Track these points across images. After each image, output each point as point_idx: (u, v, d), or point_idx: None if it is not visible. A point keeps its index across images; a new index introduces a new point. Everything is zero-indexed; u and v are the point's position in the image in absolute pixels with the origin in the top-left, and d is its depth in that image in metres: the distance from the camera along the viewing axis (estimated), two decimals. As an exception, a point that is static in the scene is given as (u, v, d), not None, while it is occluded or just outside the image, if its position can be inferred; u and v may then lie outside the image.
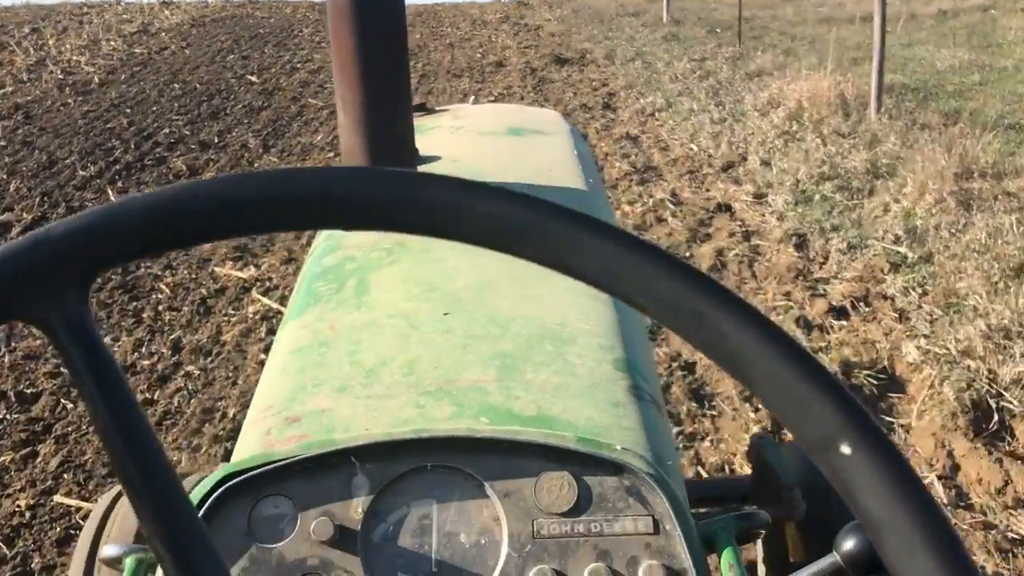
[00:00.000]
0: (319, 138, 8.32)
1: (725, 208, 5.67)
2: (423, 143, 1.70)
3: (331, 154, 7.80)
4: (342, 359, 1.14)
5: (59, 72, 11.74)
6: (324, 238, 1.56)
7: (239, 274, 5.04)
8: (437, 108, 2.33)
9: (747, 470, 2.35)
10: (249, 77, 11.39)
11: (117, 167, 7.25)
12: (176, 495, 0.42)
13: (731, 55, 10.64)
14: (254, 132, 8.51)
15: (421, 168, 1.54)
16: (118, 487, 1.75)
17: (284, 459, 0.91)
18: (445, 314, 1.20)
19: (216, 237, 0.41)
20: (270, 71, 11.93)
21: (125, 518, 1.70)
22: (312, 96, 10.32)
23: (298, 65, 12.43)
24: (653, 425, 1.05)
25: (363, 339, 1.18)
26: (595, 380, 1.08)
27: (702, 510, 1.61)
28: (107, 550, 1.16)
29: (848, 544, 0.68)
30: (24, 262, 0.40)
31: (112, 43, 14.22)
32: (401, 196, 0.39)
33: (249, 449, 1.03)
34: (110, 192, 6.56)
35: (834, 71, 7.63)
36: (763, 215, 5.48)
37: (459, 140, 1.99)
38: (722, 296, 0.37)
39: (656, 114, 8.43)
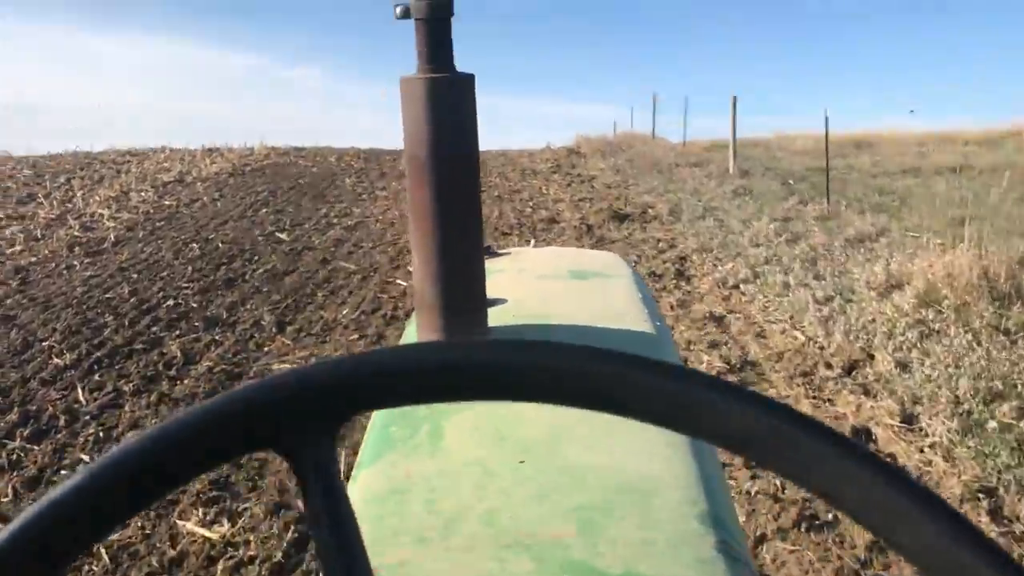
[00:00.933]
0: (344, 312, 7.11)
1: (864, 435, 4.23)
2: (488, 285, 1.58)
3: (355, 335, 6.57)
4: (419, 508, 1.11)
5: (77, 228, 10.88)
6: None
7: (206, 532, 3.68)
8: (500, 251, 2.30)
9: None
10: (279, 234, 10.40)
11: (99, 353, 6.06)
12: None
13: (818, 214, 9.38)
14: (271, 305, 7.34)
15: (489, 311, 1.52)
16: None
17: None
18: (520, 462, 1.17)
19: (473, 397, 0.44)
20: (303, 227, 10.97)
21: None
22: (344, 257, 9.23)
23: (334, 220, 11.47)
24: None
25: (439, 487, 1.15)
26: (681, 536, 1.02)
27: None
28: None
29: None
30: (284, 398, 0.43)
31: (143, 194, 13.50)
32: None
33: None
34: (79, 391, 5.33)
35: (954, 237, 6.30)
36: (921, 449, 4.03)
37: (523, 283, 1.97)
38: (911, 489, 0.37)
39: (741, 287, 7.12)
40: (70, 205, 12.79)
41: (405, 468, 1.23)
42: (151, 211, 12.14)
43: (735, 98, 13.13)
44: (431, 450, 1.26)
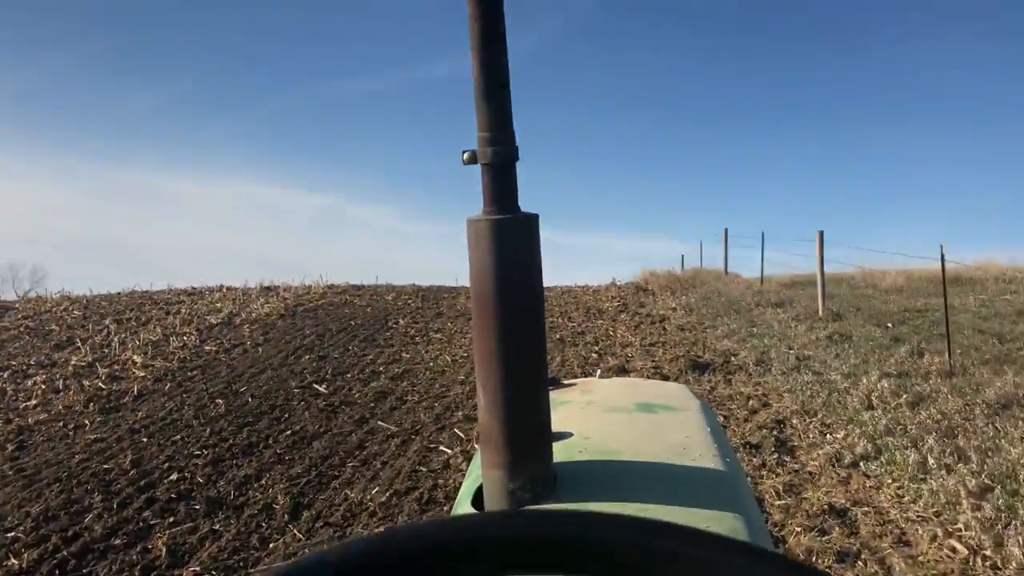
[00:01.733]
0: (374, 492, 5.91)
1: None
2: (554, 418, 1.53)
3: (381, 520, 5.35)
4: None
5: (103, 378, 10.02)
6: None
7: None
8: (566, 382, 2.27)
9: None
10: (317, 386, 9.36)
11: (69, 550, 4.94)
12: None
13: (938, 368, 7.98)
14: (289, 481, 6.19)
15: (555, 445, 1.49)
16: None
17: None
18: None
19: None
20: (345, 376, 9.93)
21: None
22: (385, 415, 8.10)
23: (380, 368, 10.42)
24: None
25: None
26: None
27: None
28: None
29: None
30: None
31: (185, 338, 12.71)
32: None
33: None
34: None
35: None
36: None
37: (589, 415, 1.91)
38: None
39: (862, 465, 5.74)
40: (106, 351, 12.04)
41: None
42: (188, 357, 11.28)
43: (821, 233, 11.96)
44: None
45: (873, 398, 7.13)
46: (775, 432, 6.73)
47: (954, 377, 7.53)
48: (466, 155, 1.35)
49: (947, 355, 8.08)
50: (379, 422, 7.85)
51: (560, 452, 1.52)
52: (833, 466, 5.81)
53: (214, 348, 11.93)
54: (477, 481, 1.52)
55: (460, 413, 8.03)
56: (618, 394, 2.14)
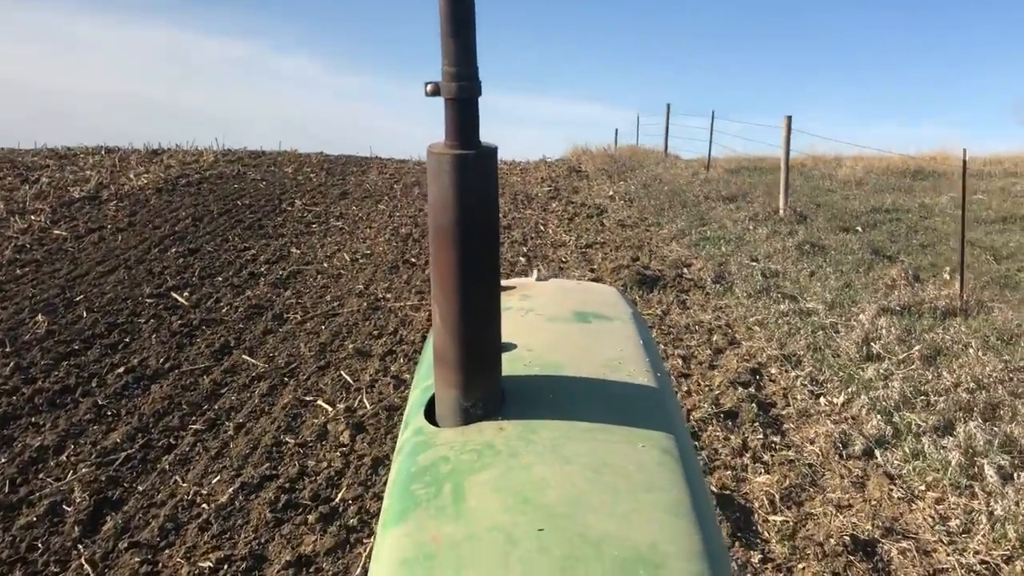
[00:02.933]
0: (215, 482, 4.24)
1: None
2: None
3: (214, 540, 3.70)
4: (447, 574, 1.17)
5: (-95, 274, 7.94)
6: (413, 432, 1.57)
7: None
8: (504, 284, 2.25)
9: None
10: (176, 295, 7.49)
11: None
12: None
13: (948, 302, 6.54)
14: (99, 457, 4.45)
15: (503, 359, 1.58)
16: None
17: None
18: (540, 530, 1.23)
19: None
20: (215, 280, 8.07)
21: None
22: (254, 344, 6.34)
23: (262, 269, 8.57)
24: None
25: (466, 554, 1.20)
26: None
27: None
28: None
29: None
30: None
31: (33, 218, 10.55)
32: None
33: None
34: None
35: None
36: None
37: (530, 326, 1.97)
38: None
39: (878, 455, 4.29)
40: (-71, 231, 9.85)
41: (431, 530, 1.27)
42: (28, 246, 9.21)
43: (789, 119, 10.28)
44: (455, 512, 1.29)
45: (874, 345, 5.67)
46: (752, 390, 5.23)
47: (972, 318, 6.11)
48: (429, 87, 1.38)
49: (959, 285, 6.63)
50: (244, 355, 6.09)
51: (506, 365, 1.59)
52: (840, 455, 4.34)
53: (65, 233, 9.85)
54: (428, 392, 1.62)
55: (351, 344, 6.32)
56: (555, 301, 2.22)
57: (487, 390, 1.51)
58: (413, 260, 8.97)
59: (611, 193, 13.06)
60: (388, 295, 7.69)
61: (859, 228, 9.66)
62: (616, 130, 23.19)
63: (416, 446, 1.51)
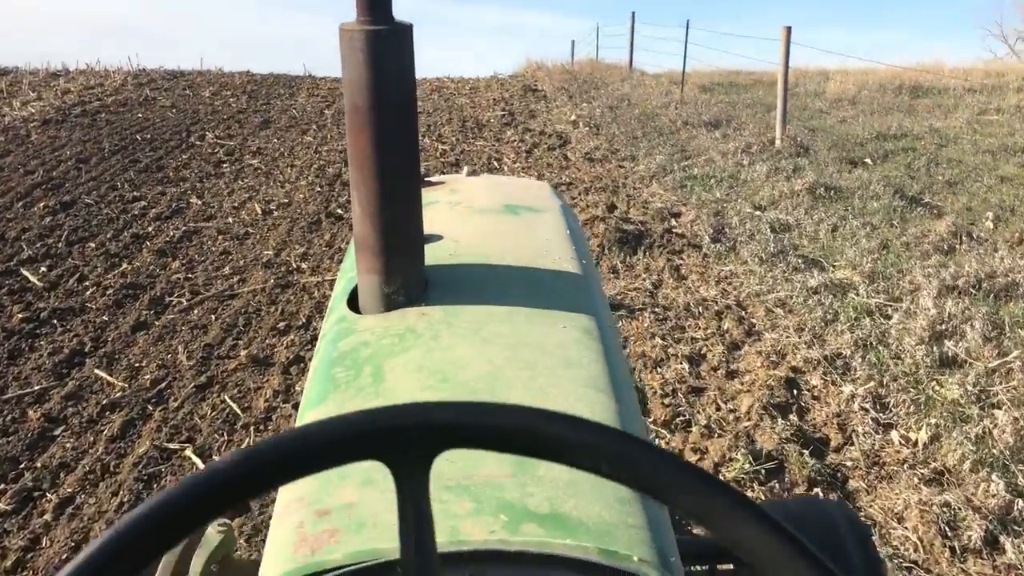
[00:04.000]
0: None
1: None
2: (424, 219, 1.61)
3: None
4: None
5: None
6: (336, 321, 1.55)
7: None
8: (434, 180, 2.28)
9: None
10: (27, 272, 5.80)
11: None
12: None
13: (1010, 266, 5.10)
14: None
15: (426, 248, 1.61)
16: None
17: (340, 568, 0.97)
18: None
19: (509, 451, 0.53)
20: (87, 245, 6.36)
21: None
22: (118, 347, 4.73)
23: (150, 229, 6.86)
24: (656, 520, 1.09)
25: None
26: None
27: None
28: None
29: None
30: (400, 425, 0.52)
31: None
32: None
33: (285, 541, 1.04)
34: None
35: None
36: None
37: (458, 218, 1.98)
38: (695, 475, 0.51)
39: (1009, 549, 2.87)
40: None
41: (349, 410, 1.00)
42: None
43: (788, 30, 8.64)
44: (375, 392, 1.28)
45: (948, 343, 4.23)
46: (793, 417, 3.79)
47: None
48: None
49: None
50: (98, 370, 4.48)
51: (431, 255, 1.60)
52: (950, 547, 2.92)
53: (-90, 182, 7.99)
54: (352, 282, 1.60)
55: (247, 345, 4.74)
56: (485, 195, 2.14)
57: (409, 276, 1.49)
58: (341, 211, 7.31)
59: (573, 118, 11.39)
60: (304, 264, 6.07)
61: (868, 160, 8.18)
62: (573, 42, 21.25)
63: (338, 333, 1.48)
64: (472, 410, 0.53)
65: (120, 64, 17.45)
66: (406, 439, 0.52)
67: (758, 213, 6.61)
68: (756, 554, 0.49)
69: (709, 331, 4.75)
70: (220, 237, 6.74)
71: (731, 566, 1.67)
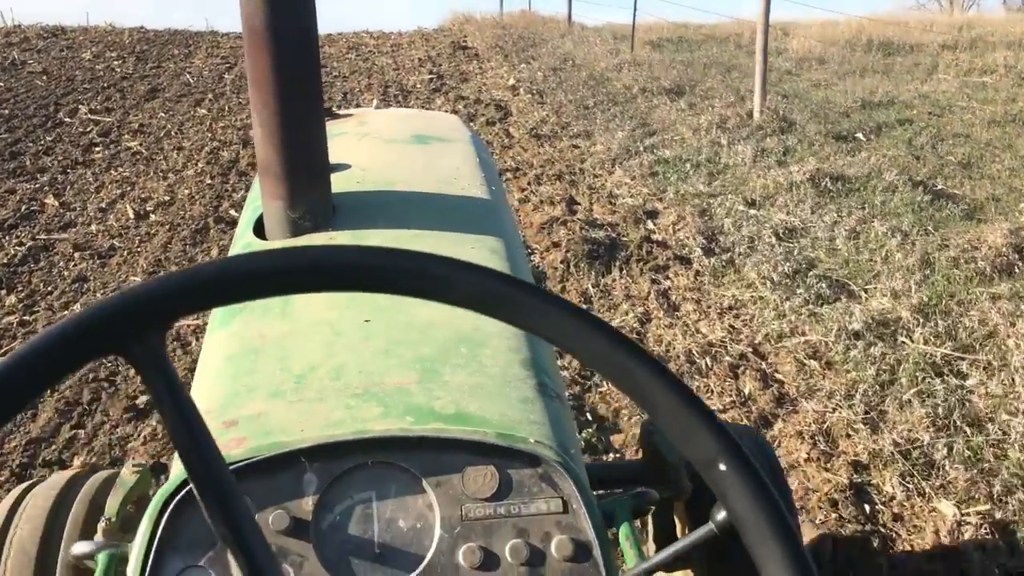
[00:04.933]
0: None
1: None
2: (331, 150, 1.60)
3: None
4: (272, 366, 1.20)
5: None
6: (242, 248, 1.56)
7: None
8: (341, 112, 2.26)
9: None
10: None
11: None
12: (232, 491, 0.54)
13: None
14: None
15: (333, 176, 1.60)
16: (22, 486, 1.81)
17: (242, 461, 0.99)
18: (366, 321, 1.27)
19: (255, 296, 0.55)
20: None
21: (80, 515, 1.68)
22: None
23: (-14, 242, 5.33)
24: (558, 418, 1.13)
25: (291, 346, 1.24)
26: (506, 379, 1.18)
27: (602, 492, 1.68)
28: (78, 547, 1.35)
29: (720, 515, 0.61)
30: (119, 313, 0.53)
31: None
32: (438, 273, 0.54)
33: None
34: None
35: None
36: None
37: (366, 148, 1.97)
38: (641, 358, 0.52)
39: None
40: None
41: (258, 329, 1.27)
42: None
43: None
44: (282, 312, 1.31)
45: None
46: (879, 559, 2.59)
47: None
48: None
49: None
50: None
51: (338, 183, 1.58)
52: None
53: None
54: (257, 211, 1.56)
55: (99, 433, 3.34)
56: (395, 127, 2.15)
57: (315, 201, 1.47)
58: (235, 213, 5.87)
59: (512, 82, 9.99)
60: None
61: (860, 135, 7.03)
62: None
63: None
64: (167, 280, 0.54)
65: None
66: (124, 326, 0.52)
67: (753, 212, 5.38)
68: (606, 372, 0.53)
69: (726, 397, 3.53)
70: (76, 255, 5.24)
71: (646, 487, 1.54)
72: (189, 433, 0.53)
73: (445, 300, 0.54)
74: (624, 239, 5.12)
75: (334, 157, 1.60)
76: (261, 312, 1.30)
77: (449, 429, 1.03)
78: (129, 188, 6.49)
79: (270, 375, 1.17)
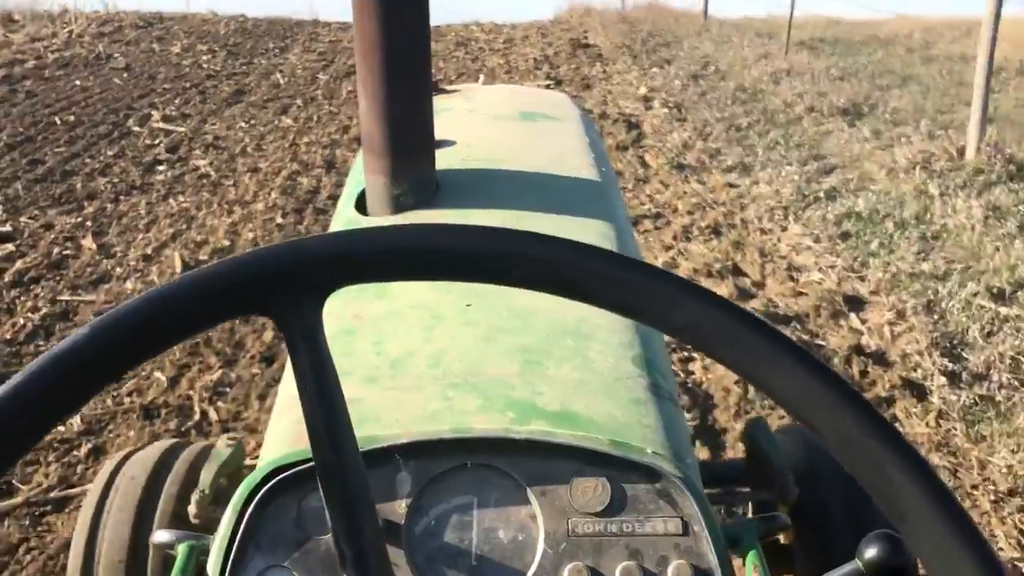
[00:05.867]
0: None
1: None
2: (437, 125, 1.56)
3: None
4: (368, 349, 1.15)
5: None
6: (343, 223, 1.53)
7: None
8: (448, 88, 2.19)
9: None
10: None
11: None
12: (363, 492, 0.51)
13: None
14: None
15: (438, 153, 1.53)
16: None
17: None
18: (467, 306, 1.21)
19: (432, 278, 0.47)
20: None
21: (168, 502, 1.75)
22: None
23: (8, 297, 4.24)
24: (672, 423, 1.06)
25: (387, 329, 1.19)
26: (615, 377, 1.10)
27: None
28: (159, 535, 1.33)
29: (871, 552, 0.59)
30: (276, 267, 0.46)
31: None
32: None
33: (284, 436, 1.03)
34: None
35: None
36: None
37: (473, 124, 1.91)
38: (908, 454, 0.42)
39: None
40: None
41: (354, 309, 1.21)
42: None
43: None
44: (379, 292, 1.26)
45: None
46: None
47: None
48: None
49: None
50: None
51: (443, 159, 1.53)
52: None
53: None
54: (359, 186, 1.55)
55: None
56: (501, 102, 2.09)
57: (419, 177, 1.43)
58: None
59: (644, 91, 8.51)
60: (218, 413, 3.41)
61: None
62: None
63: None
64: (349, 239, 0.47)
65: (92, 5, 14.70)
66: (282, 285, 0.46)
67: (1005, 310, 3.82)
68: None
69: None
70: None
71: (747, 488, 1.55)
72: (330, 418, 0.49)
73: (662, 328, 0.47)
74: (821, 344, 3.65)
75: (438, 133, 1.53)
76: (357, 291, 1.17)
77: (557, 433, 0.95)
78: (184, 226, 5.34)
79: (365, 358, 1.11)
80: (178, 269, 4.73)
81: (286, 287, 0.46)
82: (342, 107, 8.21)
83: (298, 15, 14.87)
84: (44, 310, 4.25)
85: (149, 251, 4.97)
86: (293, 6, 15.25)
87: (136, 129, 7.41)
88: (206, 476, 1.51)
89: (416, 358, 1.10)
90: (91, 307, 4.31)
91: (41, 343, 3.98)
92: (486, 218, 1.36)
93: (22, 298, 4.40)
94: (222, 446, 1.60)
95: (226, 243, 5.07)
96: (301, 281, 0.46)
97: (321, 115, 7.97)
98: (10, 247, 4.97)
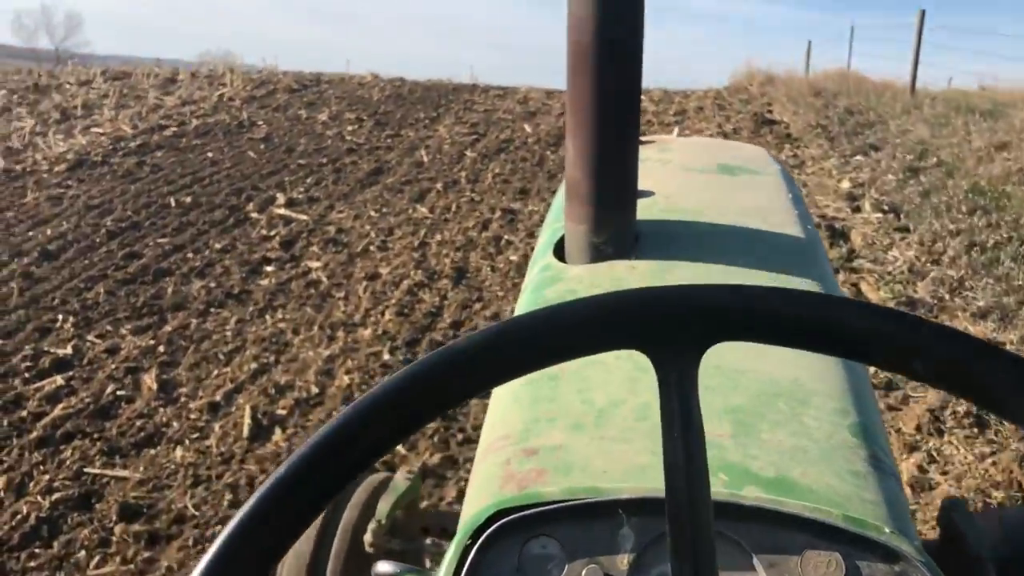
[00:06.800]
0: None
1: None
2: None
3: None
4: (573, 396, 1.14)
5: None
6: (541, 269, 1.52)
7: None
8: (643, 139, 2.11)
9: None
10: None
11: None
12: (709, 543, 0.49)
13: None
14: None
15: (638, 205, 1.50)
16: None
17: (555, 502, 0.91)
18: None
19: (832, 352, 0.46)
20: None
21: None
22: None
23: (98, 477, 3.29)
24: (894, 499, 0.96)
25: (592, 377, 1.18)
26: (833, 445, 1.03)
27: None
28: (382, 566, 1.37)
29: None
30: (673, 307, 0.46)
31: None
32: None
33: (491, 476, 1.01)
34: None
35: None
36: None
37: (670, 175, 1.88)
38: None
39: None
40: None
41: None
42: None
43: None
44: None
45: None
46: None
47: None
48: None
49: None
50: None
51: (641, 210, 1.51)
52: None
53: None
54: (557, 233, 1.52)
55: None
56: (698, 154, 2.06)
57: (619, 227, 1.42)
58: (402, 449, 3.44)
59: (848, 186, 6.98)
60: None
61: None
62: (809, 43, 16.49)
63: (543, 281, 1.44)
64: (758, 294, 0.46)
65: (249, 67, 14.49)
66: (675, 325, 0.46)
67: None
68: None
69: None
70: (121, 528, 3.02)
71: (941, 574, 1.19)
72: (689, 464, 0.48)
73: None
74: None
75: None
76: None
77: (786, 502, 0.88)
78: (272, 359, 4.30)
79: (570, 405, 1.09)
80: (246, 431, 3.64)
81: (673, 331, 0.46)
82: (484, 195, 7.12)
83: (457, 79, 14.16)
84: (58, 493, 3.23)
85: (219, 397, 3.93)
86: (453, 69, 14.55)
87: (254, 216, 6.56)
88: (383, 507, 1.61)
89: (621, 409, 1.06)
90: (121, 487, 3.27)
91: (37, 549, 2.95)
92: (688, 272, 1.34)
93: (44, 466, 3.42)
94: (401, 479, 1.72)
95: (314, 391, 3.98)
96: (693, 328, 0.46)
97: (461, 203, 6.90)
98: (59, 380, 4.05)
